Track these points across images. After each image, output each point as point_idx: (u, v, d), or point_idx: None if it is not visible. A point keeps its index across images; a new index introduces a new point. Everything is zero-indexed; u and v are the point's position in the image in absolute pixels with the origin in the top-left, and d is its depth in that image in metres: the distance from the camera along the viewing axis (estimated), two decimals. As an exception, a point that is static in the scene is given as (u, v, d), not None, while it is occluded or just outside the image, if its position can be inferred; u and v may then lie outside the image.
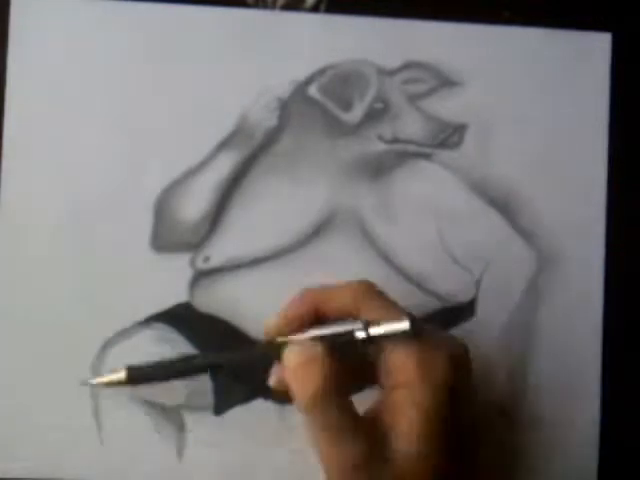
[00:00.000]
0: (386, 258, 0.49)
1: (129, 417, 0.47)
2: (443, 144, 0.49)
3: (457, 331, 0.49)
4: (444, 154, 0.49)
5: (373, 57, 0.49)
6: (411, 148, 0.49)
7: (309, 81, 0.49)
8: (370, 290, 0.41)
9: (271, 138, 0.49)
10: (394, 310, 0.40)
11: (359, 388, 0.42)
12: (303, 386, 0.38)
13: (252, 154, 0.49)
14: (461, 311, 0.49)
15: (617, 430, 0.49)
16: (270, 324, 0.41)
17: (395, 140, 0.49)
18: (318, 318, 0.41)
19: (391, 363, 0.39)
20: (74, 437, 0.47)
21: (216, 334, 0.48)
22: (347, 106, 0.49)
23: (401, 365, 0.39)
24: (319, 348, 0.39)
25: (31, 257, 0.47)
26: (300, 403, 0.38)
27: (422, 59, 0.49)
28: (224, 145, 0.48)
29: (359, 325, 0.39)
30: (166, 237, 0.48)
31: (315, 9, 0.49)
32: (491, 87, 0.50)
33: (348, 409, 0.38)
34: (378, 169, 0.49)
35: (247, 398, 0.48)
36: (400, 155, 0.49)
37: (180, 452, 0.47)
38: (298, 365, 0.39)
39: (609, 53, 0.50)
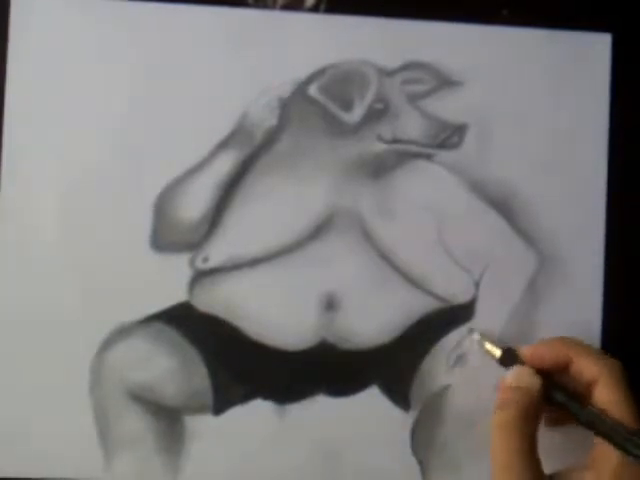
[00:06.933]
0: (386, 258, 0.49)
1: (129, 417, 0.47)
2: (443, 144, 0.49)
3: (457, 332, 0.49)
4: (444, 154, 0.49)
5: (373, 57, 0.49)
6: (411, 148, 0.49)
7: (309, 81, 0.49)
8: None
9: (271, 138, 0.49)
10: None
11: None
12: (502, 404, 0.42)
13: (252, 154, 0.49)
14: (461, 311, 0.49)
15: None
16: (522, 350, 0.44)
17: (395, 140, 0.49)
18: (561, 367, 0.43)
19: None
20: (74, 436, 0.47)
21: (215, 334, 0.48)
22: (347, 106, 0.49)
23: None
24: (537, 383, 0.42)
25: (31, 257, 0.47)
26: (493, 419, 0.42)
27: (422, 59, 0.49)
28: (224, 145, 0.48)
29: None
30: (166, 237, 0.48)
31: (315, 9, 0.49)
32: (491, 87, 0.50)
33: (529, 441, 0.41)
34: (378, 169, 0.49)
35: (246, 398, 0.48)
36: (400, 155, 0.49)
37: (180, 452, 0.47)
38: (510, 384, 0.43)
39: (609, 54, 0.50)
